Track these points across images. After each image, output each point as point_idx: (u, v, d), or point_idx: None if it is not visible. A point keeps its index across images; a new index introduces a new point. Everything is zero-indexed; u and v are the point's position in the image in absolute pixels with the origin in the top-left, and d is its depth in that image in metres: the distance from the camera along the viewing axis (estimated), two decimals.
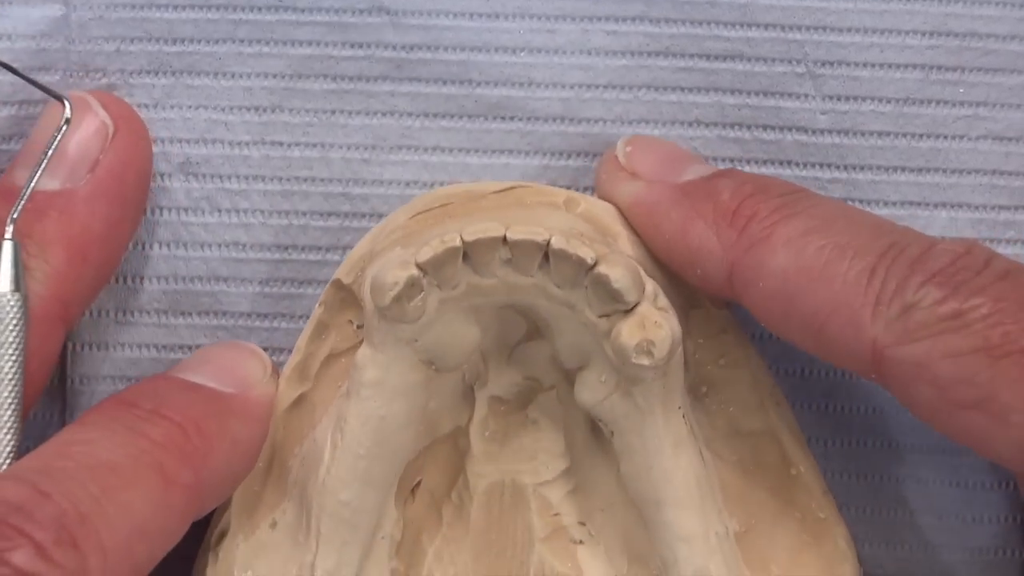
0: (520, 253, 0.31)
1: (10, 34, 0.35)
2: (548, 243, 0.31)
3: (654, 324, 0.30)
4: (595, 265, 0.30)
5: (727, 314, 0.35)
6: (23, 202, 0.33)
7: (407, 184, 0.36)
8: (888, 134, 0.36)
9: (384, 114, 0.36)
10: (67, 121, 0.33)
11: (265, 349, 0.35)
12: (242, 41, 0.36)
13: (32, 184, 0.33)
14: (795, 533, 0.34)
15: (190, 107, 0.36)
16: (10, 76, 0.34)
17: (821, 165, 0.36)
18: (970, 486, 0.37)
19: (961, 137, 0.36)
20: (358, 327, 0.34)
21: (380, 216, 0.36)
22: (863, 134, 0.36)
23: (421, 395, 0.32)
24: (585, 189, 0.36)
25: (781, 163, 0.36)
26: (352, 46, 0.36)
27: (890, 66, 0.36)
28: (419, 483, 0.34)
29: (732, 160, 0.36)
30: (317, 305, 0.35)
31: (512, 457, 0.35)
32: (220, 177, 0.36)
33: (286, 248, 0.36)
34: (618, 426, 0.32)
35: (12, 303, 0.32)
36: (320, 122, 0.36)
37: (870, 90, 0.36)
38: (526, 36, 0.36)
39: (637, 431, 0.32)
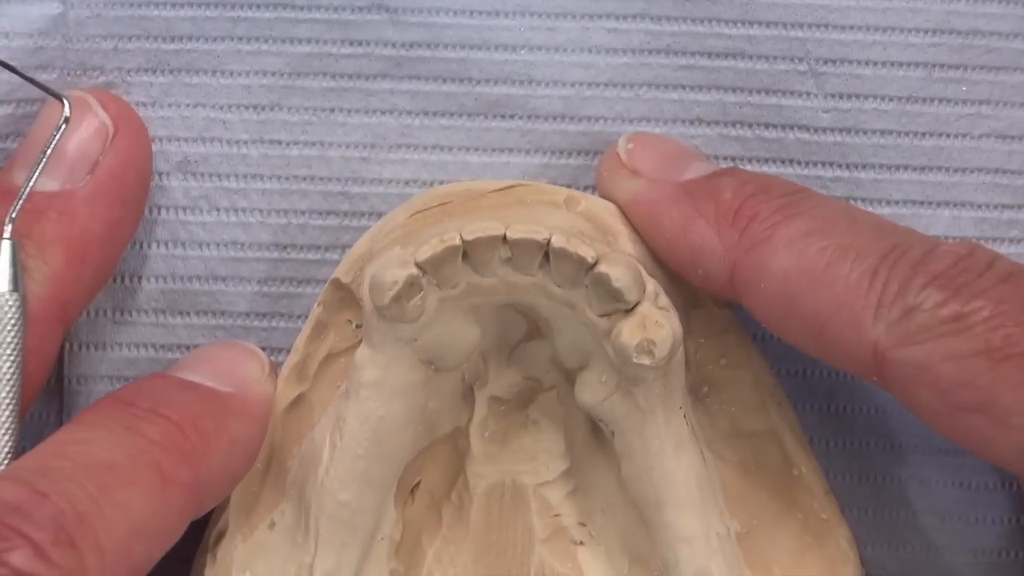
0: (520, 252, 0.31)
1: (7, 32, 0.35)
2: (548, 242, 0.30)
3: (655, 324, 0.30)
4: (596, 264, 0.30)
5: (728, 314, 0.35)
6: (21, 202, 0.32)
7: (406, 183, 0.36)
8: (891, 132, 0.36)
9: (383, 112, 0.36)
10: (66, 120, 0.33)
11: (263, 349, 0.35)
12: (240, 39, 0.36)
13: (31, 184, 0.33)
14: (797, 534, 0.34)
15: (188, 105, 0.36)
16: (7, 74, 0.34)
17: (823, 164, 0.36)
18: (973, 487, 0.37)
19: (964, 136, 0.36)
20: (357, 327, 0.34)
21: (379, 215, 0.36)
22: (865, 132, 0.36)
23: (420, 395, 0.32)
24: (586, 188, 0.36)
25: (783, 162, 0.36)
26: (351, 44, 0.36)
27: (893, 64, 0.36)
28: (418, 484, 0.34)
29: (734, 159, 0.36)
30: (316, 304, 0.35)
31: (512, 458, 0.35)
32: (218, 176, 0.36)
33: (285, 247, 0.36)
34: (619, 426, 0.32)
35: (10, 303, 0.32)
36: (319, 120, 0.36)
37: (873, 88, 0.36)
38: (526, 34, 0.36)
39: (638, 431, 0.32)
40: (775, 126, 0.36)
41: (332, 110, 0.36)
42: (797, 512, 0.34)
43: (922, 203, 0.36)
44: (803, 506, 0.34)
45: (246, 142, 0.36)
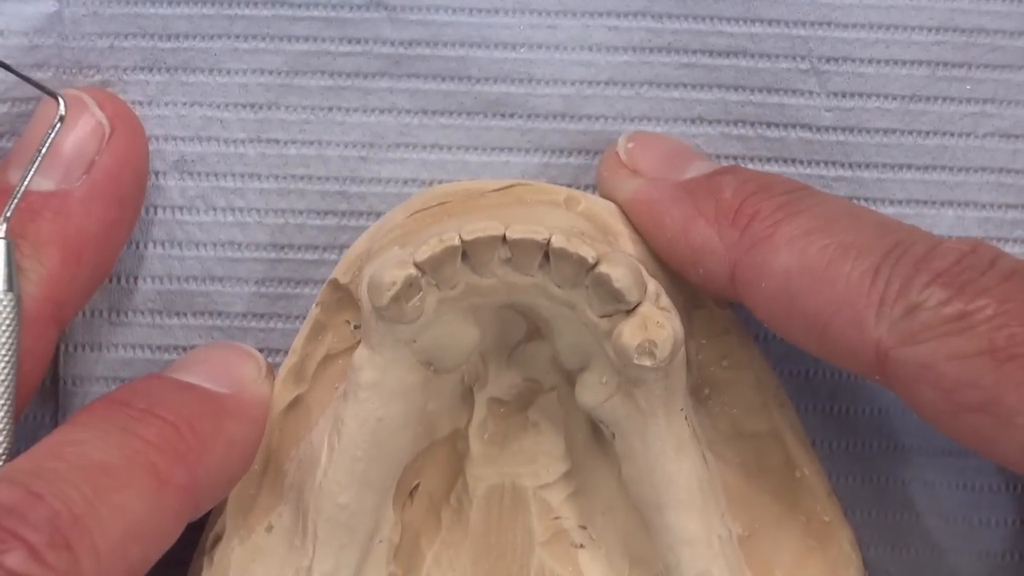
0: (520, 252, 0.31)
1: (3, 30, 0.35)
2: (548, 242, 0.30)
3: (656, 324, 0.30)
4: (596, 264, 0.30)
5: (730, 314, 0.35)
6: (16, 201, 0.32)
7: (405, 182, 0.36)
8: (894, 131, 0.36)
9: (382, 111, 0.36)
10: (61, 119, 0.33)
11: (261, 350, 0.35)
12: (238, 37, 0.35)
13: (26, 183, 0.33)
14: (799, 536, 0.34)
15: (185, 104, 0.36)
16: (3, 73, 0.34)
17: (826, 163, 0.36)
18: (977, 489, 0.37)
19: (968, 134, 0.36)
20: (355, 327, 0.34)
21: (378, 215, 0.36)
22: (868, 131, 0.36)
23: (419, 397, 0.32)
24: (586, 187, 0.36)
25: (785, 161, 0.36)
26: (349, 42, 0.36)
27: (896, 62, 0.36)
28: (417, 486, 0.34)
29: (735, 158, 0.36)
30: (314, 305, 0.34)
31: (512, 460, 0.35)
32: (215, 175, 0.36)
33: (282, 247, 0.36)
34: (619, 428, 0.32)
35: (5, 303, 0.32)
36: (317, 119, 0.36)
37: (876, 87, 0.36)
38: (526, 32, 0.36)
39: (639, 433, 0.32)
40: (777, 125, 0.36)
41: (330, 109, 0.36)
42: (799, 514, 0.34)
43: (926, 202, 0.36)
44: (806, 508, 0.34)
45: (243, 141, 0.36)
